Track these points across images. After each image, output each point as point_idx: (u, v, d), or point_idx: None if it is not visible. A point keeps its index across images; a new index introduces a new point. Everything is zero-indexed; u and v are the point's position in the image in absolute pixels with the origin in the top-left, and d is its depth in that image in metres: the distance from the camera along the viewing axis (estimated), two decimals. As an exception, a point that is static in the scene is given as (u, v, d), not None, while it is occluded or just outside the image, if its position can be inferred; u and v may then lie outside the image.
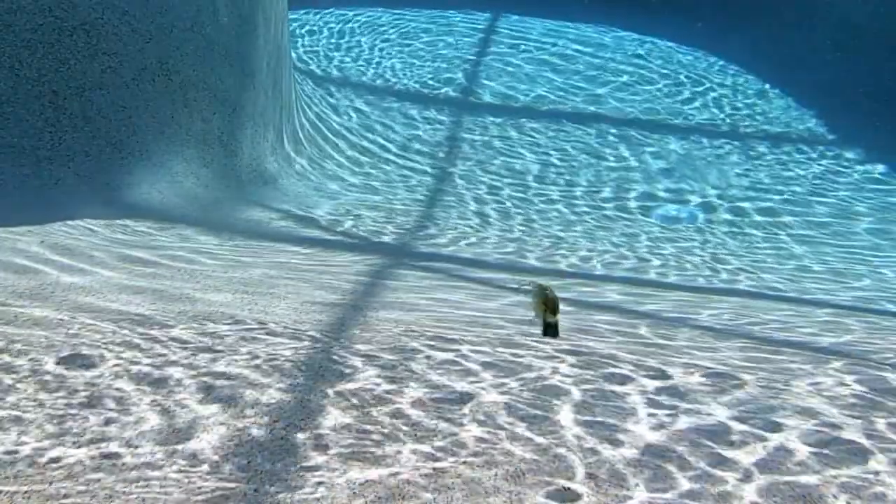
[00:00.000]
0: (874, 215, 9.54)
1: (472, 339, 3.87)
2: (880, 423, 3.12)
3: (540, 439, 2.87)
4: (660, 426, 3.02)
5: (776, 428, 3.04)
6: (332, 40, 13.21)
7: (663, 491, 2.60)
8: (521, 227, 8.26)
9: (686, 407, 3.19)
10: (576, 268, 6.97)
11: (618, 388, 3.33)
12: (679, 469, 2.73)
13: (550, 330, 3.28)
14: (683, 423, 3.05)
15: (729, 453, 2.85)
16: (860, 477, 2.73)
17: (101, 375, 3.18)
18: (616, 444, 2.87)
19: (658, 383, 3.40)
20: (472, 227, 8.03)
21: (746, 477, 2.70)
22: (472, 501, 2.48)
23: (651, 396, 3.27)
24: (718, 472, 2.72)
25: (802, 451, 2.88)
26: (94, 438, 2.74)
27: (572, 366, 3.54)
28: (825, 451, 2.89)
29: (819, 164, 10.84)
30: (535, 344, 3.85)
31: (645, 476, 2.67)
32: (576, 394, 3.25)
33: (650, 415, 3.11)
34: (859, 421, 3.12)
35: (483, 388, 3.26)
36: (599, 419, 3.05)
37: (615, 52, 13.54)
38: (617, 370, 3.54)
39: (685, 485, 2.64)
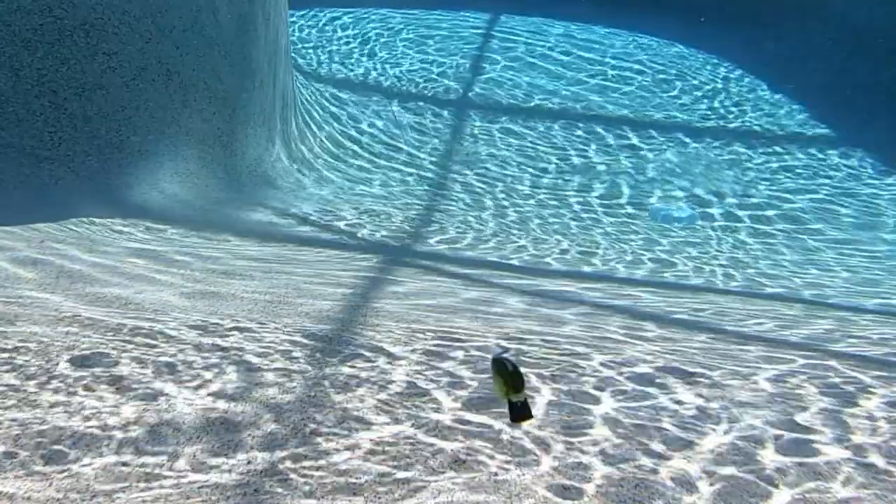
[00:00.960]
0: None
1: (468, 339, 3.87)
2: None
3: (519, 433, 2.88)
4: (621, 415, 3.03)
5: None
6: (333, 40, 13.21)
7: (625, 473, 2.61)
8: (529, 227, 8.27)
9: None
10: (594, 267, 6.97)
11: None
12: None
13: (518, 410, 2.67)
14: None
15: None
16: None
17: (104, 376, 3.18)
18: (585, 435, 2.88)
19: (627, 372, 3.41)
20: (478, 228, 8.04)
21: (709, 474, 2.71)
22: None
23: (622, 388, 3.28)
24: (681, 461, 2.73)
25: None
26: (95, 437, 2.74)
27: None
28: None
29: (812, 162, 10.85)
30: (529, 347, 3.85)
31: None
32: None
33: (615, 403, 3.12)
34: None
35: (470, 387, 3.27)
36: (571, 409, 3.05)
37: (619, 51, 13.54)
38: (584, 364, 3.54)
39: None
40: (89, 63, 6.67)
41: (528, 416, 2.78)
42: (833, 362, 3.86)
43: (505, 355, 2.80)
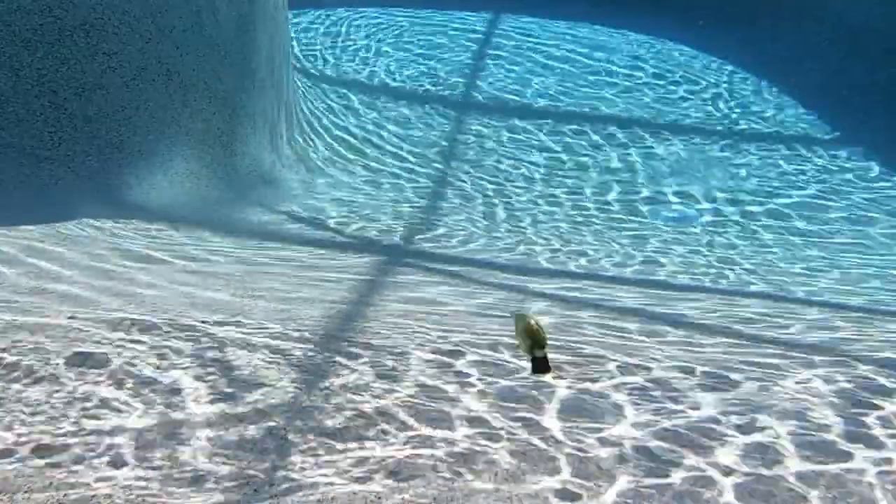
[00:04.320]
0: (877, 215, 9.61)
1: (468, 339, 3.90)
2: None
3: (527, 436, 2.91)
4: (646, 423, 3.05)
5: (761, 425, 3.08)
6: (333, 40, 13.23)
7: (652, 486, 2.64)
8: (527, 228, 8.30)
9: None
10: (584, 268, 7.00)
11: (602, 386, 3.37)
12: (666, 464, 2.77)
13: (538, 365, 3.24)
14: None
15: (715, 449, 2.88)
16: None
17: (103, 375, 3.21)
18: (601, 440, 2.90)
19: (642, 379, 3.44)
20: (477, 228, 8.07)
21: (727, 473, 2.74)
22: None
23: (637, 393, 3.31)
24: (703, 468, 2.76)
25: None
26: (95, 437, 2.77)
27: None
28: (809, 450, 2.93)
29: (814, 163, 10.89)
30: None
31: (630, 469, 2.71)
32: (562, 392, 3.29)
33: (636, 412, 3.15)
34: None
35: (472, 388, 3.30)
36: (585, 416, 3.08)
37: (613, 51, 13.57)
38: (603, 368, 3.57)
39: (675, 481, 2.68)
40: (89, 63, 6.69)
41: (546, 370, 3.23)
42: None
43: (529, 313, 3.31)
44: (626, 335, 4.35)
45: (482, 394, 3.25)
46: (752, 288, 6.77)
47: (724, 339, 4.46)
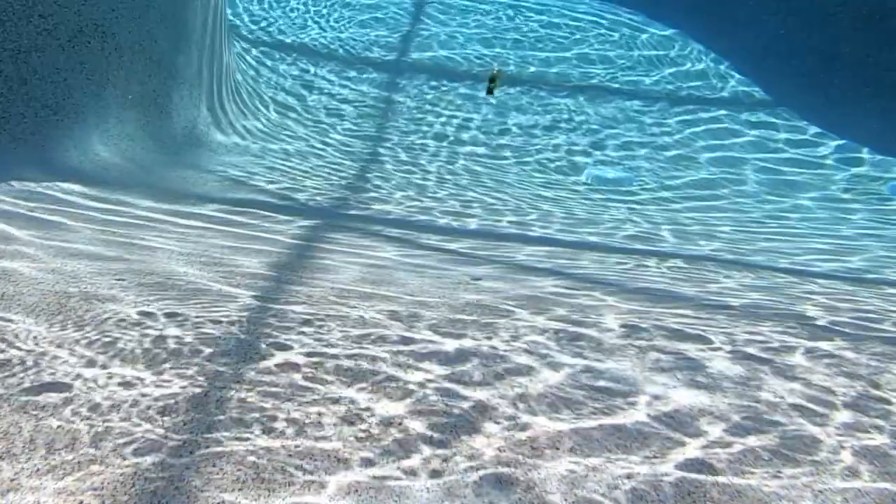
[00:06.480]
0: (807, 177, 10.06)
1: (402, 300, 4.15)
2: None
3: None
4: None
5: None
6: (270, 3, 13.22)
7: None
8: (453, 188, 8.53)
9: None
10: (516, 226, 7.28)
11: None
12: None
13: (489, 89, 7.52)
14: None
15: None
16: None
17: (37, 339, 3.40)
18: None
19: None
20: (411, 190, 8.28)
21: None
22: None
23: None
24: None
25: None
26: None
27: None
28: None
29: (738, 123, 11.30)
30: (451, 305, 4.16)
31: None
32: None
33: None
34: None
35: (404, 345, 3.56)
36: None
37: (554, 14, 13.80)
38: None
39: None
40: (25, 25, 6.72)
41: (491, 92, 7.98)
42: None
43: (496, 70, 7.54)
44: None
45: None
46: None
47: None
